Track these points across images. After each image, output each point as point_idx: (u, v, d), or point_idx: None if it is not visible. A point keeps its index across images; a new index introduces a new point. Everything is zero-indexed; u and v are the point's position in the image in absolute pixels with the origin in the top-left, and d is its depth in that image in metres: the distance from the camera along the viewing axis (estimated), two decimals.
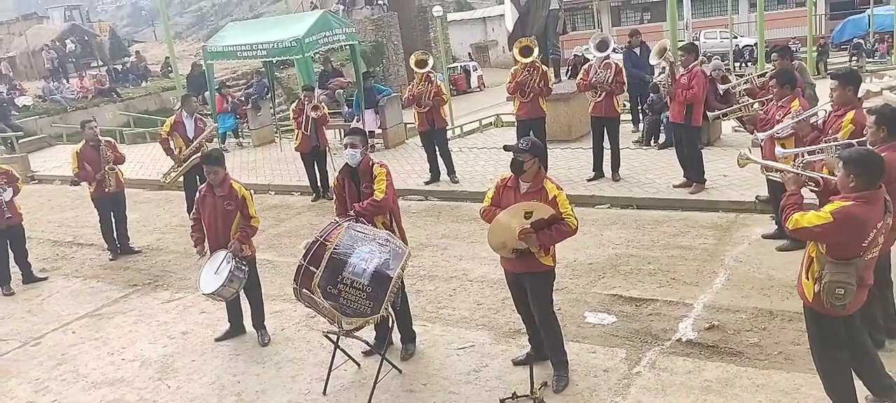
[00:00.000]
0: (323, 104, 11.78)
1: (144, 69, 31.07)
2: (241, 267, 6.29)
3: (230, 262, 6.21)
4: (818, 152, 5.59)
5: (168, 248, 9.96)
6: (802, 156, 5.75)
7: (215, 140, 15.14)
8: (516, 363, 5.65)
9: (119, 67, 31.54)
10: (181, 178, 10.60)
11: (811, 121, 6.27)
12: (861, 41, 34.79)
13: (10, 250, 8.84)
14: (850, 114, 5.78)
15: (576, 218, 5.02)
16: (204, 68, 16.39)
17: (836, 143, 5.39)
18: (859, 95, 6.23)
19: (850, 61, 31.35)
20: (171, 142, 10.50)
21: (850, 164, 4.02)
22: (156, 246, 10.12)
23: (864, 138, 5.13)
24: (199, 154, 9.89)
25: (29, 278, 9.03)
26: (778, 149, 6.35)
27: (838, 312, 4.13)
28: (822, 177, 4.73)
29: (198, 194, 6.58)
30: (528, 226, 4.90)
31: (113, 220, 9.73)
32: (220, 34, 16.15)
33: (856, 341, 4.33)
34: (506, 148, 5.19)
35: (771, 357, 5.41)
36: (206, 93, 16.71)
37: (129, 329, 7.33)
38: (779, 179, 5.11)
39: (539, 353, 5.50)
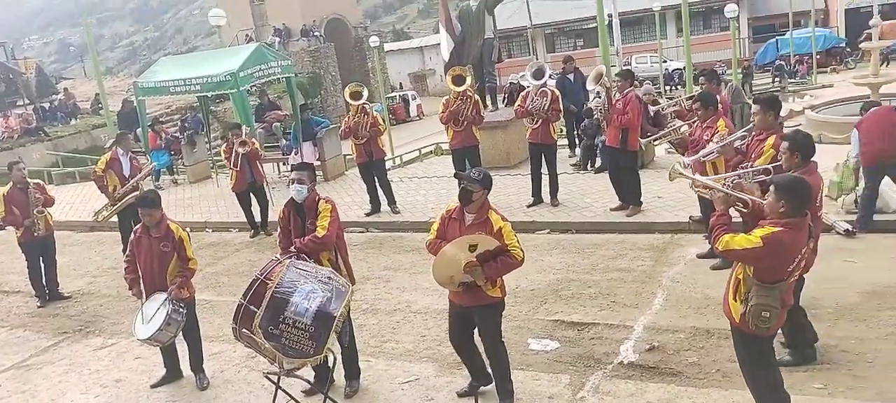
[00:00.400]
0: (252, 139, 11.60)
1: (73, 106, 30.21)
2: (179, 311, 6.11)
3: (167, 306, 6.02)
4: (737, 178, 5.76)
5: (100, 292, 9.62)
6: (727, 182, 5.94)
7: (150, 178, 14.81)
8: (461, 395, 5.63)
9: (46, 105, 30.61)
10: (115, 218, 10.29)
11: (736, 145, 6.48)
12: (783, 63, 36.28)
13: None
14: (771, 139, 6.02)
15: (522, 250, 5.03)
16: (135, 104, 16.00)
17: (752, 170, 5.55)
18: (780, 117, 6.47)
19: (773, 82, 32.66)
20: (106, 179, 10.22)
21: (782, 190, 4.13)
22: (87, 291, 9.76)
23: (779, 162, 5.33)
24: (136, 193, 9.66)
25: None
26: (698, 177, 6.54)
27: (764, 333, 4.24)
28: (751, 199, 4.88)
29: (133, 235, 6.38)
30: (474, 259, 4.89)
31: (42, 265, 9.36)
32: (153, 69, 15.81)
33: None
34: (457, 175, 5.20)
35: (709, 375, 5.53)
36: (139, 130, 16.32)
37: (58, 379, 7.02)
38: (707, 196, 5.24)
39: (481, 380, 5.50)
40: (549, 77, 10.84)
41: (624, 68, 10.43)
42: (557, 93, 10.38)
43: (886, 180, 8.15)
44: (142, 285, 6.31)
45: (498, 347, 5.29)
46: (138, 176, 10.13)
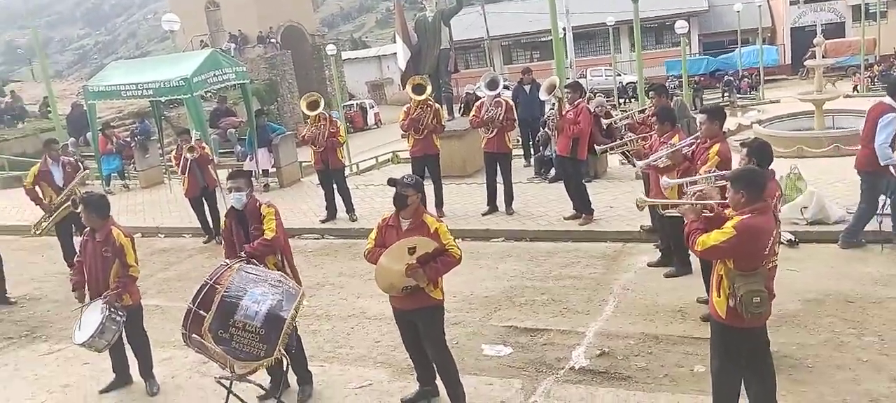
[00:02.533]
0: (201, 144, 11.44)
1: (21, 109, 29.39)
2: (115, 318, 5.95)
3: (104, 312, 5.91)
4: (699, 182, 5.94)
5: (47, 297, 9.40)
6: (685, 188, 6.12)
7: (99, 183, 14.54)
8: (405, 401, 5.64)
9: None
10: (54, 228, 10.02)
11: (683, 152, 6.71)
12: (731, 78, 37.26)
13: None
14: (716, 147, 6.29)
15: (458, 248, 5.11)
16: (85, 108, 15.69)
17: (715, 174, 5.74)
18: (724, 129, 6.72)
19: (722, 97, 33.52)
20: (40, 192, 9.89)
21: (739, 182, 4.34)
22: (33, 296, 9.52)
23: (729, 169, 5.52)
24: (70, 201, 9.44)
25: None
26: (663, 180, 6.73)
27: (757, 321, 4.38)
28: (715, 203, 5.01)
29: (82, 237, 6.29)
30: (414, 262, 4.95)
31: None
32: (104, 73, 15.52)
33: (765, 361, 4.59)
34: (390, 181, 5.24)
35: (657, 379, 5.65)
36: (89, 134, 16.00)
37: (2, 385, 6.83)
38: (677, 214, 5.37)
39: (429, 389, 5.52)
40: (504, 87, 10.98)
41: (572, 80, 10.63)
42: (512, 103, 10.52)
43: (826, 192, 8.45)
44: (86, 289, 6.21)
45: (443, 351, 5.33)
46: (71, 184, 9.84)
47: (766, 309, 4.39)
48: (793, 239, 8.26)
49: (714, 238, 4.29)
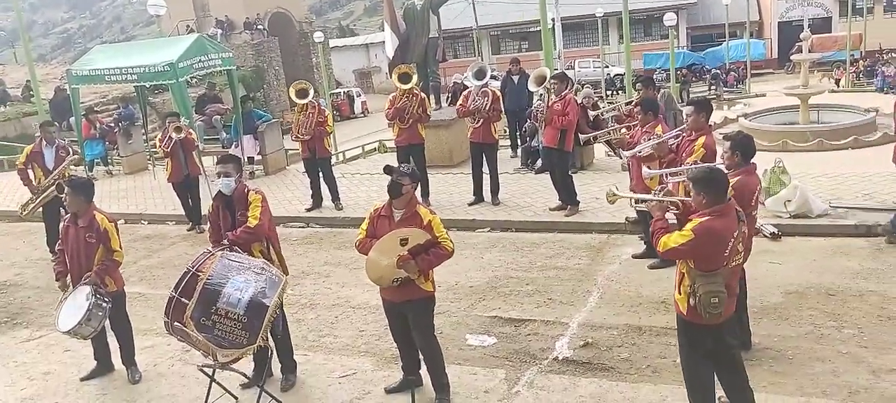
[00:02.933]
0: (189, 129, 11.34)
1: (3, 93, 29.06)
2: (101, 304, 5.91)
3: (90, 298, 5.86)
4: (679, 174, 5.97)
5: (28, 284, 9.32)
6: (665, 178, 6.14)
7: (82, 168, 14.39)
8: (389, 390, 5.65)
9: None
10: (41, 210, 9.95)
11: (669, 144, 6.72)
12: (718, 71, 37.42)
13: None
14: (702, 139, 6.29)
15: (451, 241, 5.12)
16: (69, 92, 15.52)
17: (695, 166, 5.77)
18: (710, 122, 6.74)
19: (709, 90, 33.67)
20: (30, 173, 9.86)
21: (700, 184, 4.35)
22: (14, 282, 9.44)
23: (714, 162, 5.53)
24: (56, 186, 9.37)
25: None
26: (644, 170, 6.75)
27: (715, 320, 4.39)
28: (680, 200, 5.05)
29: (62, 224, 6.22)
30: (406, 253, 4.94)
31: None
32: (88, 57, 15.36)
33: (728, 355, 4.59)
34: (386, 169, 5.20)
35: (640, 370, 5.69)
36: (72, 119, 15.83)
37: None
38: (646, 209, 5.39)
39: (413, 379, 5.52)
40: (492, 77, 10.96)
41: (559, 71, 10.61)
42: (498, 93, 10.50)
43: (810, 186, 8.51)
44: (69, 277, 6.15)
45: (431, 342, 5.34)
46: (59, 168, 9.75)
47: (725, 309, 4.39)
48: (776, 232, 8.31)
49: (674, 240, 4.33)
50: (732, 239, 4.32)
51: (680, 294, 4.50)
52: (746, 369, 4.73)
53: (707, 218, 4.28)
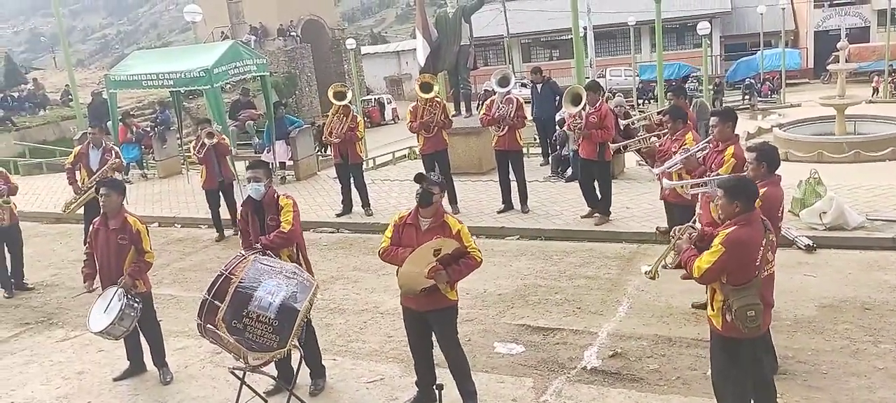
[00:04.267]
0: (222, 135, 11.46)
1: (43, 97, 29.74)
2: (133, 305, 6.01)
3: (121, 299, 5.96)
4: (703, 185, 5.91)
5: (64, 284, 9.50)
6: (687, 189, 6.10)
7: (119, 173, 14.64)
8: None
9: (15, 95, 30.07)
10: (82, 211, 10.17)
11: (697, 157, 6.65)
12: (752, 81, 36.92)
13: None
14: (731, 149, 6.22)
15: (480, 252, 5.11)
16: (106, 97, 15.82)
17: (716, 177, 5.70)
18: (744, 131, 6.64)
19: (743, 100, 33.25)
20: (76, 174, 10.16)
21: (733, 192, 4.30)
22: (51, 282, 9.64)
23: (744, 171, 5.46)
24: (96, 187, 9.55)
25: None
26: (665, 181, 6.71)
27: (754, 333, 4.33)
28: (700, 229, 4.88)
29: (92, 227, 6.33)
30: (437, 264, 4.94)
31: (7, 255, 9.22)
32: (125, 62, 15.66)
33: (758, 371, 4.52)
34: (418, 177, 5.18)
35: (670, 382, 5.63)
36: (109, 123, 16.13)
37: (19, 370, 6.93)
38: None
39: (425, 394, 5.47)
40: (521, 85, 10.93)
41: (591, 80, 10.51)
42: (522, 100, 10.46)
43: (845, 198, 8.36)
44: (98, 280, 6.25)
45: (457, 350, 5.31)
46: (101, 169, 9.91)
47: (763, 323, 4.33)
48: (811, 244, 8.18)
49: (705, 261, 4.25)
50: (761, 248, 4.27)
51: (713, 310, 4.43)
52: (779, 383, 4.66)
53: (733, 228, 4.22)
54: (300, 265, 5.60)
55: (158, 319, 6.57)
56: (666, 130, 7.88)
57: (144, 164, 17.36)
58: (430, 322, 5.24)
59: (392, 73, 52.54)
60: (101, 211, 6.20)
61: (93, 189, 9.71)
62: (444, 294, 5.10)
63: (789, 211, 8.78)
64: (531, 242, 9.53)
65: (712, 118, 6.56)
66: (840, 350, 5.87)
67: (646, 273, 4.96)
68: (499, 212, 10.51)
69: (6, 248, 9.20)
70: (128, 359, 6.54)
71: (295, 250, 5.71)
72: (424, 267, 4.93)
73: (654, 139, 8.11)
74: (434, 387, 5.20)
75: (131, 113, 20.47)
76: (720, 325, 4.39)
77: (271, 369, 5.53)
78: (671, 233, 4.95)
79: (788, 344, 5.93)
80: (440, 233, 5.02)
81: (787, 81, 36.26)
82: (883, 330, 6.15)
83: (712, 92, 30.02)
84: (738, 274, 4.24)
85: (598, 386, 5.67)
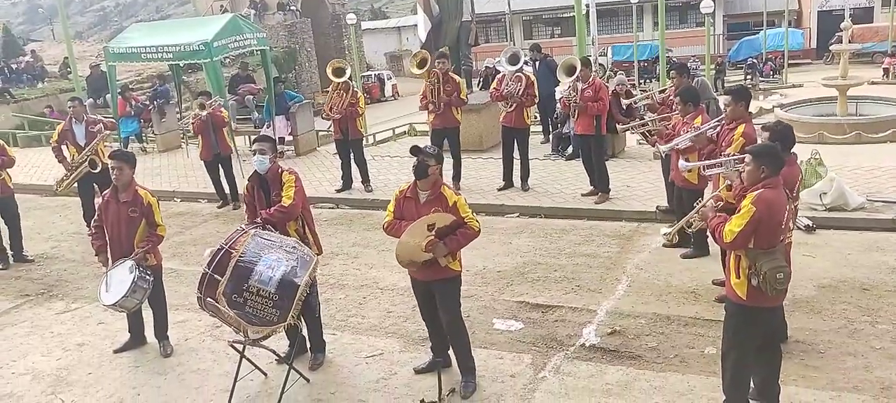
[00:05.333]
0: (220, 108, 11.42)
1: (41, 69, 29.61)
2: (145, 278, 6.06)
3: (133, 272, 5.98)
4: (718, 166, 5.89)
5: (64, 256, 9.52)
6: (704, 170, 6.08)
7: (117, 145, 14.62)
8: (418, 371, 5.69)
9: (13, 67, 29.93)
10: (76, 186, 10.11)
11: (708, 135, 6.62)
12: (755, 61, 36.75)
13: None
14: (741, 128, 6.17)
15: (477, 221, 5.12)
16: (105, 70, 15.75)
17: (733, 158, 5.68)
18: (749, 110, 6.62)
19: (745, 79, 33.13)
20: (64, 150, 9.92)
21: (761, 157, 4.36)
22: (50, 255, 9.65)
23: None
24: (89, 162, 9.53)
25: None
26: (681, 162, 6.66)
27: (780, 298, 4.40)
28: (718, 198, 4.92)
29: (101, 200, 6.31)
30: (433, 237, 4.95)
31: (5, 228, 9.22)
32: (124, 35, 15.58)
33: (773, 340, 4.60)
34: (413, 150, 5.19)
35: (667, 360, 5.65)
36: (108, 96, 16.08)
37: (20, 341, 6.96)
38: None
39: (441, 360, 5.53)
40: (525, 63, 10.88)
41: (582, 57, 10.45)
42: (532, 78, 10.43)
43: (846, 179, 8.35)
44: (109, 252, 6.26)
45: (458, 323, 5.35)
46: (92, 143, 9.78)
47: (787, 285, 4.37)
48: (810, 224, 8.18)
49: (736, 224, 4.27)
50: (786, 212, 4.34)
51: (738, 278, 4.44)
52: None
53: (761, 190, 4.27)
54: (307, 239, 5.61)
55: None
56: (671, 111, 7.84)
57: (144, 138, 17.31)
58: (433, 291, 5.27)
59: (392, 49, 52.25)
60: (112, 184, 6.17)
61: (85, 164, 9.68)
62: (446, 263, 5.11)
63: None
64: (531, 220, 9.53)
65: (725, 96, 6.52)
66: (838, 330, 5.89)
67: (664, 234, 5.00)
68: (499, 190, 10.50)
69: (3, 220, 9.20)
70: (129, 331, 6.57)
71: (301, 224, 5.72)
72: (422, 240, 4.95)
73: (662, 124, 8.05)
74: (439, 360, 5.25)
75: (130, 86, 20.36)
76: (745, 293, 4.40)
77: (271, 342, 5.55)
78: (694, 204, 4.99)
79: (786, 324, 5.94)
80: (438, 205, 5.04)
81: (790, 62, 36.11)
82: (881, 310, 6.17)
83: (714, 72, 29.88)
84: (767, 237, 4.27)
85: (597, 363, 5.70)
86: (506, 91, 10.08)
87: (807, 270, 7.05)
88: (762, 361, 4.62)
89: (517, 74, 10.16)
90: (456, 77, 10.73)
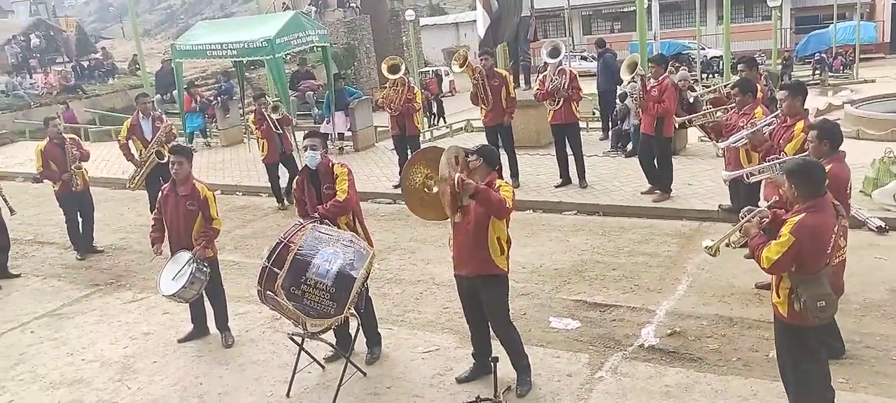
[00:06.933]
0: (279, 105, 11.55)
1: (111, 66, 30.67)
2: (202, 270, 6.24)
3: (191, 264, 6.15)
4: (763, 171, 5.70)
5: (132, 248, 9.83)
6: (747, 178, 5.92)
7: (183, 140, 15.00)
8: (460, 380, 5.53)
9: (85, 64, 31.07)
10: (144, 181, 10.38)
11: (765, 132, 6.43)
12: (824, 55, 35.50)
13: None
14: (801, 123, 5.98)
15: (512, 198, 4.93)
16: (172, 66, 16.20)
17: (778, 161, 5.49)
18: (814, 108, 6.40)
19: (813, 75, 32.06)
20: (132, 147, 10.16)
21: (795, 175, 4.10)
22: (119, 246, 9.98)
23: (805, 151, 5.26)
24: (156, 154, 9.78)
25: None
26: (723, 173, 6.52)
27: (825, 322, 4.18)
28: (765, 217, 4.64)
29: (161, 193, 6.51)
30: (465, 176, 4.77)
31: (79, 219, 9.56)
32: (190, 32, 15.99)
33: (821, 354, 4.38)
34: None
35: (730, 363, 5.51)
36: (175, 92, 16.52)
37: (89, 329, 7.22)
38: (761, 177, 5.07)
39: (482, 366, 5.43)
40: (581, 58, 10.72)
41: (656, 54, 10.23)
42: (575, 71, 10.26)
43: None
44: (167, 243, 6.44)
45: (507, 325, 5.25)
46: (155, 138, 9.99)
47: (833, 311, 4.13)
48: (882, 225, 7.86)
49: (774, 251, 4.01)
50: (833, 235, 4.06)
51: (779, 297, 4.24)
52: (845, 368, 4.51)
53: (803, 215, 4.00)
54: (357, 233, 5.66)
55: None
56: (733, 104, 7.65)
57: (208, 133, 17.75)
58: (478, 290, 5.19)
59: (450, 45, 52.25)
60: (171, 178, 6.35)
61: (153, 156, 9.94)
62: (492, 258, 5.00)
63: (860, 191, 8.46)
64: (589, 217, 9.41)
65: (781, 92, 6.33)
66: None
67: (707, 248, 4.79)
68: (556, 187, 10.39)
69: (79, 213, 9.54)
70: (192, 322, 6.75)
71: (352, 218, 5.76)
72: (451, 169, 4.78)
73: (719, 113, 7.86)
74: (490, 360, 5.18)
75: (195, 82, 20.90)
76: (786, 313, 4.21)
77: (330, 336, 5.62)
78: (740, 215, 4.74)
79: (856, 328, 5.73)
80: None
81: (861, 56, 34.72)
82: None
83: (781, 66, 28.98)
84: (809, 264, 4.03)
85: (656, 364, 5.59)
86: (551, 87, 9.93)
87: (879, 272, 6.78)
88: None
89: (560, 68, 10.01)
90: (502, 72, 10.64)
